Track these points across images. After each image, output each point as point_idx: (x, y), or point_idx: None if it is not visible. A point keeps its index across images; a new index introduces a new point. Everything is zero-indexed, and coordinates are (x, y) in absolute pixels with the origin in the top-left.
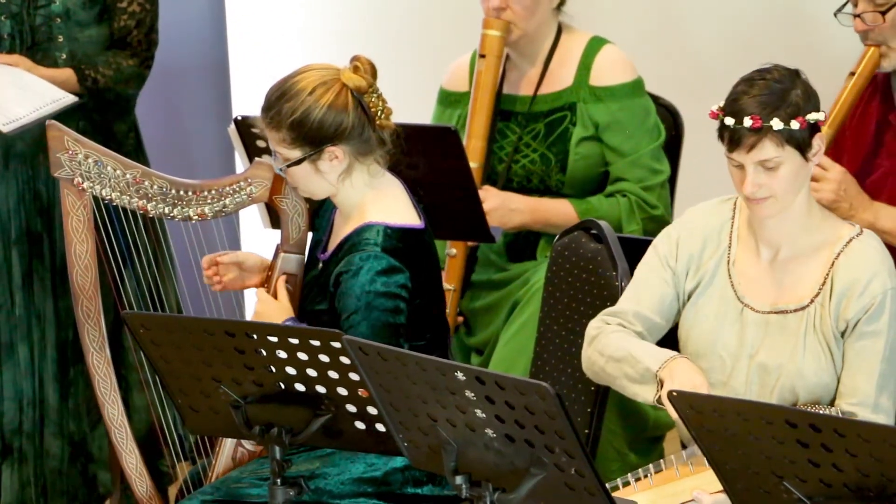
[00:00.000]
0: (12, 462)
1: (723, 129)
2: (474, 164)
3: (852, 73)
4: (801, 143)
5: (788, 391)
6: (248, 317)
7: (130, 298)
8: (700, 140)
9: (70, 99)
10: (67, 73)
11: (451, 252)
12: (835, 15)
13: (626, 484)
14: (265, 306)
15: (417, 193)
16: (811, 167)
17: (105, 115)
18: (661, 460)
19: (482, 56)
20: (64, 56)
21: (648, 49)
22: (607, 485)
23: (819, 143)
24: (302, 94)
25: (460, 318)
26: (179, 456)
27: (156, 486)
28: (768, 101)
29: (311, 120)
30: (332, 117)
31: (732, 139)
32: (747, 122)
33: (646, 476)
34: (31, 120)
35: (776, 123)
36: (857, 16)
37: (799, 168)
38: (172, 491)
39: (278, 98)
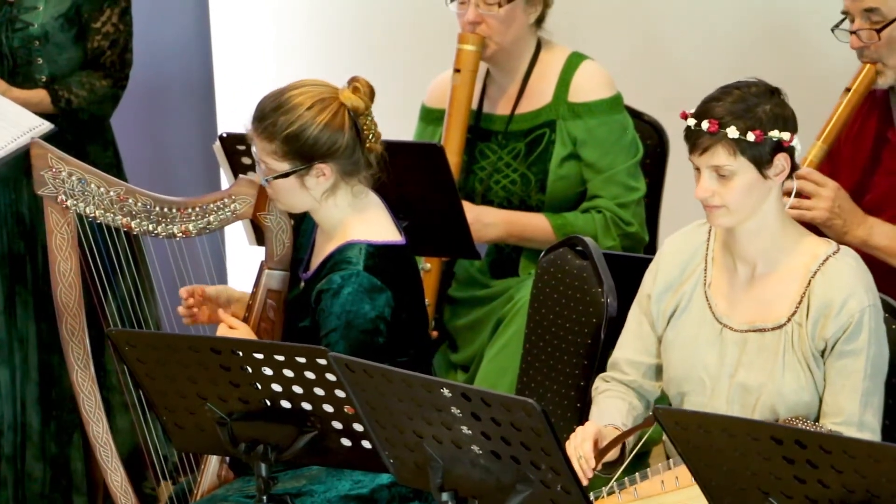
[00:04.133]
0: None
1: (686, 129)
2: None
3: (848, 89)
4: (757, 158)
5: (769, 410)
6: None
7: (115, 316)
8: (685, 156)
9: (46, 126)
10: (41, 95)
11: (426, 267)
12: (832, 31)
13: (611, 493)
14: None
15: (402, 210)
16: (771, 185)
17: (79, 135)
18: (648, 469)
19: (457, 71)
20: (44, 78)
21: (634, 65)
22: (591, 494)
23: (783, 163)
24: (299, 108)
25: (435, 333)
26: (164, 476)
27: None
28: (732, 109)
29: (306, 135)
30: (328, 135)
31: (690, 140)
32: (705, 125)
33: (632, 485)
34: (9, 151)
35: (732, 132)
36: (853, 32)
37: (754, 182)
38: None
39: (274, 109)
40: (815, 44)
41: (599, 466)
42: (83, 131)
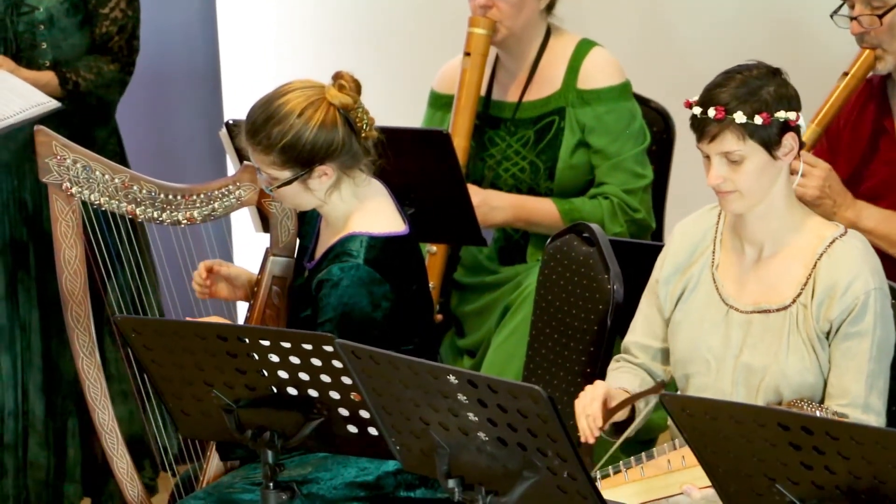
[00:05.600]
0: None
1: (692, 118)
2: None
3: (846, 73)
4: (766, 140)
5: (773, 391)
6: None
7: (113, 304)
8: (692, 143)
9: (53, 104)
10: (49, 76)
11: (432, 250)
12: (831, 17)
13: (617, 472)
14: None
15: (409, 197)
16: (781, 166)
17: (86, 120)
18: (654, 449)
19: (467, 54)
20: (48, 63)
21: (641, 52)
22: (598, 473)
23: (791, 142)
24: (290, 116)
25: (440, 317)
26: (163, 466)
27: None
28: (737, 94)
29: (302, 142)
30: (324, 138)
31: (698, 128)
32: (711, 112)
33: (638, 464)
34: (16, 121)
35: (739, 117)
36: (853, 18)
37: (765, 165)
38: (158, 499)
39: (265, 121)
40: (822, 30)
41: (606, 426)
42: (91, 116)
